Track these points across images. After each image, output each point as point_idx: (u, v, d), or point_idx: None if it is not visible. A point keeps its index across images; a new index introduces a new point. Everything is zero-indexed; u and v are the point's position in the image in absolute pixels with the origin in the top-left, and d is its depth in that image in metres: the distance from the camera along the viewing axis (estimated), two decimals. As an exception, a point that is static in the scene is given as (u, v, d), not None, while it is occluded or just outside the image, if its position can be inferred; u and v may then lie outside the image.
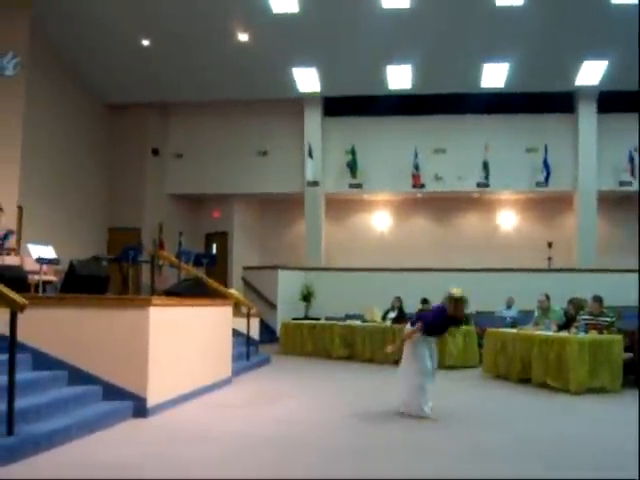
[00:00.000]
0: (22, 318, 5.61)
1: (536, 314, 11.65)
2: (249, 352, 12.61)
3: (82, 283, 8.21)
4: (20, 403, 5.64)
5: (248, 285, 20.27)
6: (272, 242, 22.32)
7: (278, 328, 17.47)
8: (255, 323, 14.11)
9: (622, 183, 20.02)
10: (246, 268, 20.93)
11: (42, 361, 7.18)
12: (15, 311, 5.56)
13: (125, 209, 20.60)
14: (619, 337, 9.62)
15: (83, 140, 19.38)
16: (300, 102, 20.84)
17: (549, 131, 20.17)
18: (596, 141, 20.12)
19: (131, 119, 20.92)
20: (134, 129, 20.91)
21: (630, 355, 9.82)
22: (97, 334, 7.30)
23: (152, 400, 7.32)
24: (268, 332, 17.81)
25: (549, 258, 20.18)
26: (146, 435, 6.47)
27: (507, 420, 7.56)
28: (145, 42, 17.60)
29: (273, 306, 19.17)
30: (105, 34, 17.21)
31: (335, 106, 21.07)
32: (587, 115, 20.26)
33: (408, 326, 7.90)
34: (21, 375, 5.87)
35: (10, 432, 5.38)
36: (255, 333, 14.07)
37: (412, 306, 14.55)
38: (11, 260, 11.48)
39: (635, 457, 5.47)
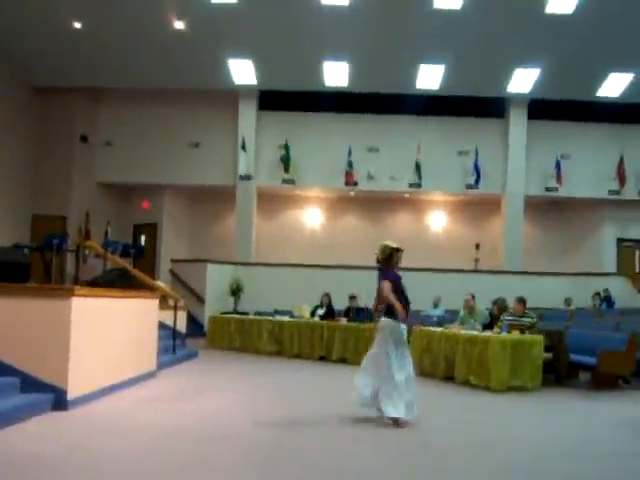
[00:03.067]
0: None
1: (462, 314, 11.84)
2: (175, 346, 12.43)
3: (1, 271, 7.92)
4: None
5: (176, 278, 20.01)
6: (202, 235, 22.10)
7: (206, 322, 17.30)
8: (182, 316, 13.93)
9: (549, 189, 20.58)
10: (175, 261, 20.65)
11: (-44, 351, 6.91)
12: None
13: (51, 196, 20.04)
14: (540, 337, 9.85)
15: (8, 123, 18.76)
16: (235, 94, 20.68)
17: (480, 135, 20.56)
18: (525, 147, 20.62)
19: (60, 104, 20.36)
20: (62, 114, 20.36)
21: (550, 355, 10.06)
22: (16, 324, 7.05)
23: (73, 393, 7.13)
24: (196, 326, 17.63)
25: (476, 259, 20.56)
26: (66, 428, 6.29)
27: (422, 416, 7.63)
28: (77, 25, 17.14)
29: (201, 300, 18.98)
30: (36, 15, 16.71)
31: (270, 100, 20.98)
32: (517, 121, 20.73)
33: (386, 285, 6.99)
34: None
35: None
36: (182, 327, 13.89)
37: (341, 303, 14.65)
38: None
39: (545, 450, 5.61)
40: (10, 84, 18.88)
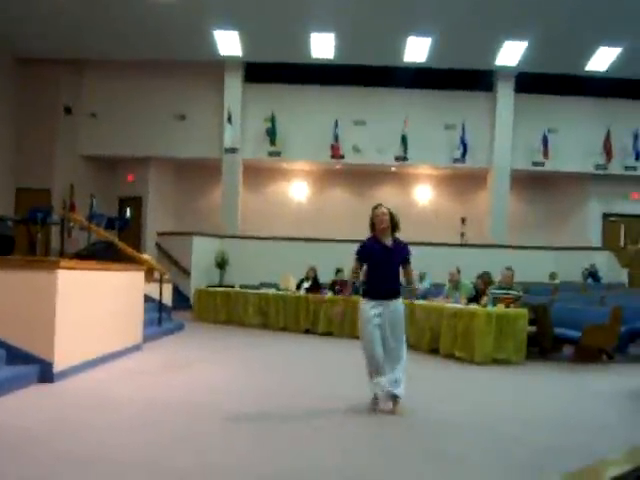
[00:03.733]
0: None
1: (447, 287, 11.91)
2: (161, 318, 12.44)
3: (-14, 243, 7.87)
4: None
5: (162, 251, 19.96)
6: (188, 208, 22.02)
7: (192, 295, 17.30)
8: (168, 289, 13.91)
9: (535, 163, 20.63)
10: (160, 234, 20.59)
11: (-60, 323, 6.88)
12: None
13: (34, 169, 19.88)
14: (524, 311, 9.91)
15: (-11, 94, 18.54)
16: (221, 66, 20.51)
17: (468, 108, 20.53)
18: (512, 121, 20.62)
19: (43, 75, 20.12)
20: (46, 85, 20.13)
21: (534, 328, 10.14)
22: (1, 296, 7.02)
23: (59, 365, 7.12)
24: (182, 299, 17.63)
25: (462, 233, 20.63)
26: (52, 400, 6.29)
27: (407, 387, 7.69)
28: (60, -6, 16.88)
29: (187, 273, 18.97)
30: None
31: (256, 72, 20.84)
32: (505, 95, 20.70)
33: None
34: None
35: None
36: (168, 299, 13.88)
37: (326, 276, 14.68)
38: None
39: (529, 422, 5.68)
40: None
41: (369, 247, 6.33)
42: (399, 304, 6.28)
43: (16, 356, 6.95)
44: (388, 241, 6.32)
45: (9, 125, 19.60)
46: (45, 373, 6.98)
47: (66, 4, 17.07)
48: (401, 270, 6.40)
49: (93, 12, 17.56)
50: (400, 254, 6.33)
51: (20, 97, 19.97)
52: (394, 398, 6.14)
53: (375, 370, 6.21)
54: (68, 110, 20.39)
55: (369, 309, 6.21)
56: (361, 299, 6.35)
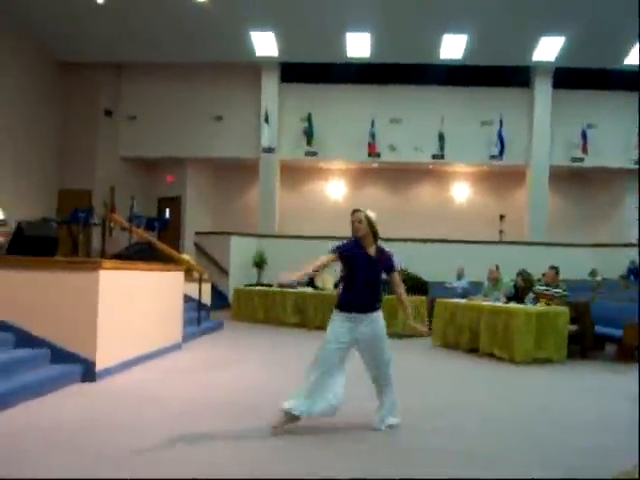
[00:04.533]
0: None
1: (486, 285, 11.84)
2: (200, 318, 12.55)
3: (30, 245, 8.03)
4: (-36, 366, 5.53)
5: (200, 250, 20.14)
6: (226, 208, 22.18)
7: (230, 294, 17.42)
8: (207, 289, 14.04)
9: (574, 159, 20.35)
10: (199, 233, 20.77)
11: (-13, 323, 7.05)
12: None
13: (76, 171, 20.21)
14: (564, 309, 9.81)
15: (34, 99, 18.88)
16: (257, 67, 20.61)
17: (505, 105, 20.34)
18: (550, 116, 20.37)
19: (84, 79, 20.45)
20: (87, 89, 20.46)
21: (575, 327, 10.03)
22: (46, 297, 7.18)
23: (101, 364, 7.25)
24: (220, 298, 17.77)
25: (500, 231, 20.46)
26: (95, 398, 6.41)
27: (445, 387, 7.67)
28: (99, 0, 17.12)
29: (225, 272, 19.10)
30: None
31: (293, 72, 20.89)
32: (542, 90, 20.47)
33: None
34: (-35, 337, 5.75)
35: (-47, 395, 5.29)
36: (207, 299, 14.01)
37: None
38: (-44, 220, 11.21)
39: (566, 423, 5.63)
40: (35, 60, 18.96)
41: (351, 250, 5.56)
42: (378, 317, 5.52)
43: (60, 355, 7.11)
44: (371, 250, 5.58)
45: (52, 129, 19.95)
46: (88, 372, 7.12)
47: (105, 9, 17.30)
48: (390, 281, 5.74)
49: (131, 16, 17.80)
50: (385, 265, 5.61)
51: (62, 101, 20.32)
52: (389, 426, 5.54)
53: (304, 387, 5.46)
54: (108, 113, 20.70)
55: (339, 324, 5.48)
56: (334, 310, 5.60)
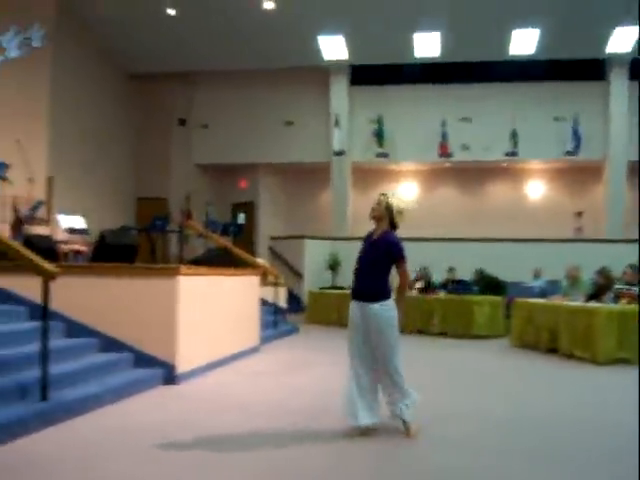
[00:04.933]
0: (54, 287, 5.70)
1: (564, 284, 11.61)
2: (277, 321, 12.70)
3: (112, 252, 8.30)
4: (54, 370, 5.74)
5: (275, 255, 20.35)
6: (298, 212, 22.33)
7: (305, 297, 17.54)
8: (282, 292, 14.20)
9: (653, 153, 19.70)
10: (273, 238, 20.99)
11: (74, 329, 7.32)
12: (47, 280, 5.64)
13: (153, 179, 20.71)
14: (648, 308, 9.54)
15: (110, 111, 19.44)
16: (326, 71, 20.71)
17: (579, 99, 19.86)
18: (627, 110, 19.76)
19: (157, 89, 20.95)
20: (160, 99, 20.96)
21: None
22: (128, 302, 7.40)
23: (181, 368, 7.43)
24: (295, 301, 17.91)
25: (578, 228, 20.00)
26: (177, 401, 6.57)
27: (525, 389, 7.56)
28: (171, 11, 17.51)
29: (300, 275, 19.26)
30: (131, 4, 17.13)
31: (362, 74, 20.90)
32: (618, 83, 19.89)
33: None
34: (54, 343, 5.97)
35: (44, 398, 5.51)
36: (282, 302, 14.16)
37: (438, 275, 14.59)
38: (41, 230, 11.65)
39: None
40: (109, 73, 19.50)
41: (366, 237, 5.67)
42: (377, 309, 5.32)
43: (142, 359, 7.32)
44: (377, 234, 5.55)
45: (128, 139, 20.50)
46: (169, 375, 7.31)
47: (176, 20, 17.69)
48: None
49: (201, 26, 18.13)
50: (382, 249, 5.40)
51: (137, 112, 20.86)
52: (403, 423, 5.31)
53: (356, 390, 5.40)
54: (182, 122, 21.16)
55: (350, 310, 5.60)
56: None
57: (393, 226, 5.51)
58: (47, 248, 8.71)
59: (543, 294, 12.96)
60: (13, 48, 14.15)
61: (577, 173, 21.04)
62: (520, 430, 5.54)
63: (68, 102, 16.72)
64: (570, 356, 9.73)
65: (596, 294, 10.55)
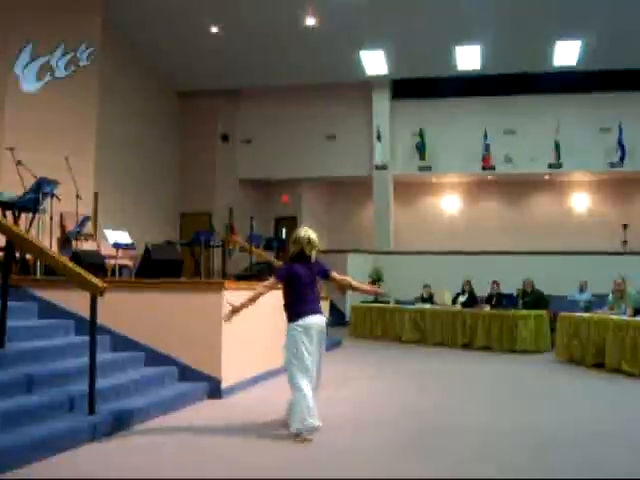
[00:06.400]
0: (101, 301, 5.81)
1: (611, 298, 11.41)
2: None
3: (157, 267, 8.44)
4: (101, 383, 5.86)
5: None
6: (341, 226, 22.38)
7: (347, 311, 17.54)
8: (325, 306, 14.21)
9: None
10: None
11: (120, 343, 7.44)
12: (95, 295, 5.76)
13: (196, 194, 20.93)
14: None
15: (155, 127, 19.76)
16: (368, 85, 20.77)
17: (624, 110, 19.54)
18: (674, 119, 19.40)
19: (200, 105, 21.22)
20: (204, 115, 21.21)
21: None
22: (173, 317, 7.51)
23: (226, 381, 7.50)
24: (338, 315, 17.91)
25: (624, 241, 19.66)
26: (224, 415, 6.62)
27: (568, 403, 7.45)
28: (213, 29, 17.79)
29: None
30: (174, 22, 17.42)
31: (403, 88, 20.92)
32: (665, 92, 19.55)
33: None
34: (101, 356, 6.09)
35: (92, 411, 5.61)
36: (326, 316, 14.16)
37: (483, 289, 14.48)
38: (88, 245, 11.87)
39: None
40: (153, 90, 19.83)
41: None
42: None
43: (187, 373, 7.41)
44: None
45: (174, 155, 20.81)
46: (214, 389, 7.38)
47: (218, 38, 17.96)
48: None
49: (243, 43, 18.35)
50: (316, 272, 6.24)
51: (182, 129, 21.17)
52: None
53: None
54: (225, 138, 21.39)
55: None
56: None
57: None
58: (96, 263, 8.88)
59: (589, 308, 12.77)
60: (61, 67, 14.56)
61: (622, 184, 20.72)
62: (562, 445, 5.47)
63: (115, 119, 17.05)
64: (617, 371, 9.56)
65: (644, 308, 10.36)
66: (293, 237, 6.12)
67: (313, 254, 6.09)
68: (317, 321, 6.03)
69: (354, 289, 6.70)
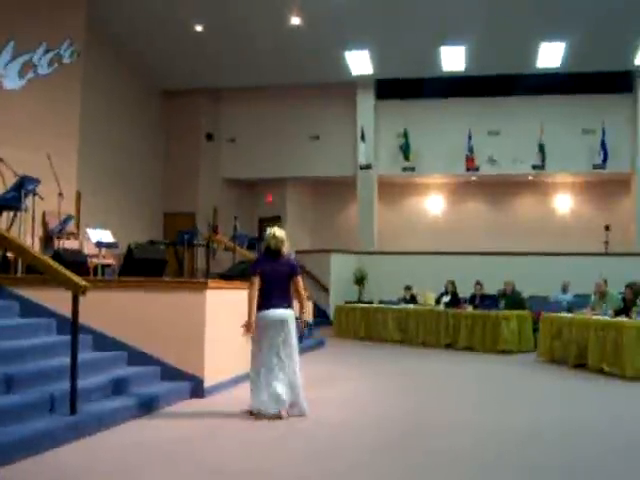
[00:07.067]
0: (83, 300, 5.78)
1: (593, 298, 11.50)
2: (302, 335, 12.67)
3: (140, 266, 8.40)
4: (82, 383, 5.82)
5: (301, 268, 20.26)
6: (325, 226, 22.37)
7: (331, 311, 17.54)
8: (309, 306, 14.20)
9: (681, 165, 19.46)
10: (299, 252, 20.98)
11: (102, 342, 7.40)
12: (77, 294, 5.72)
13: (180, 194, 20.83)
14: (678, 322, 9.41)
15: (138, 126, 19.65)
16: (352, 85, 20.77)
17: (607, 111, 19.66)
18: (656, 122, 19.56)
19: (185, 104, 21.13)
20: (188, 114, 21.12)
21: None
22: (155, 316, 7.47)
23: (209, 381, 7.48)
24: (321, 315, 17.91)
25: (606, 242, 19.78)
26: (206, 414, 6.60)
27: (550, 402, 7.49)
28: (198, 28, 17.71)
29: (326, 289, 19.26)
30: (158, 20, 17.33)
31: (388, 89, 20.92)
32: (647, 95, 19.71)
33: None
34: (82, 356, 6.05)
35: (73, 411, 5.57)
36: (309, 316, 14.16)
37: (466, 290, 14.53)
38: (71, 244, 11.81)
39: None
40: (137, 89, 19.70)
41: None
42: None
43: (169, 372, 7.38)
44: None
45: (156, 154, 20.69)
46: (196, 388, 7.36)
47: (203, 37, 17.90)
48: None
49: (228, 42, 18.28)
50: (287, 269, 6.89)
51: (166, 127, 21.07)
52: None
53: None
54: (209, 137, 21.31)
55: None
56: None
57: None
58: (78, 262, 8.83)
59: (571, 308, 12.85)
60: (44, 65, 14.46)
61: (605, 186, 20.84)
62: (544, 444, 5.49)
63: (97, 117, 16.94)
64: (598, 371, 9.62)
65: (625, 308, 10.43)
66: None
67: (283, 249, 6.64)
68: (275, 313, 6.54)
69: (300, 305, 7.11)
